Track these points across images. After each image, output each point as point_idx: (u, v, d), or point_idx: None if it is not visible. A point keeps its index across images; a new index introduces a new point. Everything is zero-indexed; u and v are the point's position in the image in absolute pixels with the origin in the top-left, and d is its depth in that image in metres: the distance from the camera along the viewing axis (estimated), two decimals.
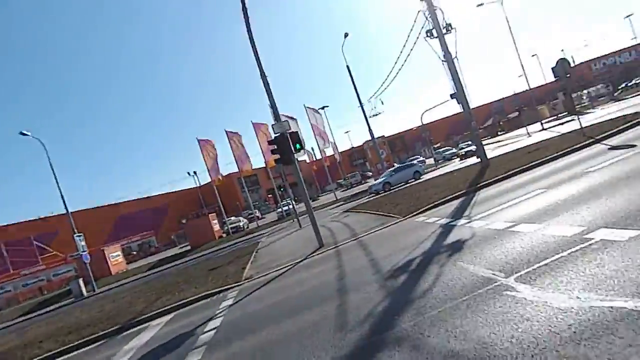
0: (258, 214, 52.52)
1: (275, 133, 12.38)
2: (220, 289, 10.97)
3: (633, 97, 38.78)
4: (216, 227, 41.17)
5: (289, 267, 10.82)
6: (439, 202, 12.83)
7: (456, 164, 32.20)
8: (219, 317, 8.00)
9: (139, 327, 9.81)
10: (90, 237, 56.41)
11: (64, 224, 58.28)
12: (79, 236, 30.28)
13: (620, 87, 56.50)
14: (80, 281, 28.24)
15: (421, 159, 51.34)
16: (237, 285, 10.85)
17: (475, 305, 4.21)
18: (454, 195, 13.05)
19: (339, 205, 29.83)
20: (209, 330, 7.22)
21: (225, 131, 36.24)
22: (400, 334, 4.17)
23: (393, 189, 26.96)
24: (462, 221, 8.89)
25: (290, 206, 40.38)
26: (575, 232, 5.43)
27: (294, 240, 17.01)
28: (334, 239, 12.73)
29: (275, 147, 12.24)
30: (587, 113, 36.17)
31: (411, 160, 48.11)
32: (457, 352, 3.41)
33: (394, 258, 7.51)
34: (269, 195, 69.40)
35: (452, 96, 18.23)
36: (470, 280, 4.99)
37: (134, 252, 57.15)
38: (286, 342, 5.22)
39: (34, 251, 49.45)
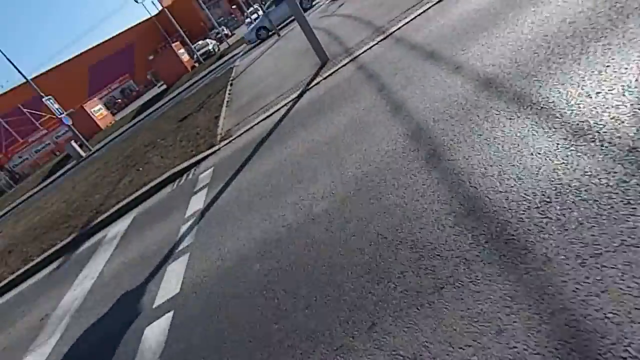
0: (226, 31, 43.38)
1: None
2: (190, 161, 6.36)
3: None
4: (185, 57, 33.62)
5: (284, 110, 5.89)
6: None
7: None
8: (180, 254, 3.66)
9: (93, 240, 5.85)
10: (72, 94, 49.86)
11: (46, 85, 50.73)
12: (49, 99, 24.52)
13: None
14: (73, 143, 24.78)
15: None
16: (211, 154, 6.19)
17: None
18: None
19: None
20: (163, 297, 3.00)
21: None
22: None
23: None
24: None
25: (261, 12, 32.00)
26: None
27: (277, 57, 11.32)
28: (344, 45, 7.25)
29: None
30: None
31: None
32: None
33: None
34: (233, 7, 57.10)
35: None
36: None
37: (119, 100, 50.98)
38: None
39: (28, 119, 44.40)
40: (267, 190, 3.68)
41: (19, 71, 21.81)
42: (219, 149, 6.19)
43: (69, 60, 54.36)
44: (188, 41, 32.57)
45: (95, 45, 57.87)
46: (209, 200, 4.45)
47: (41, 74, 50.27)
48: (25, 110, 42.48)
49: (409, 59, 4.48)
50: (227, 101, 9.37)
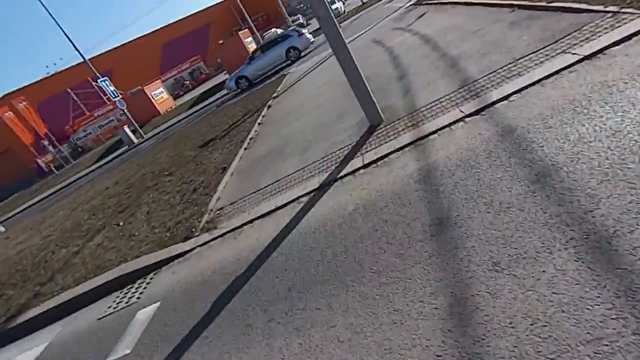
0: (302, 20, 41.97)
1: None
2: (155, 255, 4.61)
3: None
4: (252, 46, 32.87)
5: (291, 211, 3.78)
6: None
7: None
8: None
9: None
10: (143, 71, 52.37)
11: (116, 59, 53.96)
12: (104, 80, 24.97)
13: None
14: (126, 129, 25.15)
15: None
16: (181, 255, 4.31)
17: None
18: None
19: None
20: None
21: None
22: None
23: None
24: None
25: (341, 3, 30.41)
26: None
27: (328, 80, 9.14)
28: (410, 99, 4.91)
29: None
30: None
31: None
32: None
33: None
34: None
35: None
36: None
37: (187, 82, 52.31)
38: None
39: (96, 92, 46.64)
40: None
41: (77, 50, 22.25)
42: (192, 249, 4.30)
43: (144, 36, 56.52)
44: (255, 30, 31.66)
45: (171, 23, 59.90)
46: None
47: (114, 48, 52.93)
48: (94, 83, 43.85)
49: (535, 208, 2.13)
50: (251, 138, 7.52)
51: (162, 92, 36.85)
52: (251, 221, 4.16)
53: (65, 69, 49.73)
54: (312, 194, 3.97)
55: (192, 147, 9.69)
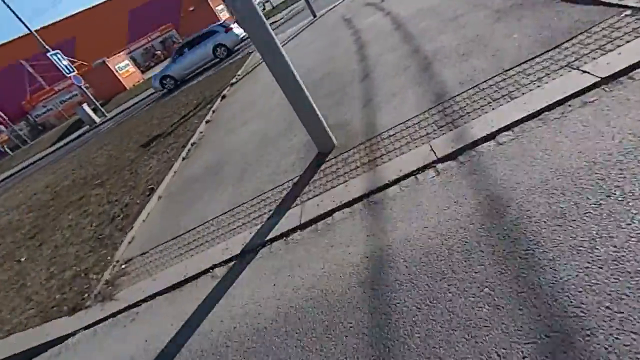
0: None
1: None
2: (25, 346, 3.59)
3: None
4: (224, 14, 30.50)
5: (207, 287, 2.77)
6: None
7: None
8: None
9: None
10: (110, 39, 48.53)
11: (79, 27, 49.72)
12: (56, 54, 22.56)
13: None
14: (86, 107, 23.01)
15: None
16: (61, 340, 3.24)
17: None
18: None
19: None
20: None
21: None
22: None
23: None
24: None
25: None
26: None
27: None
28: (370, 113, 3.71)
29: None
30: None
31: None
32: None
33: None
34: None
35: None
36: None
37: (158, 52, 48.77)
38: None
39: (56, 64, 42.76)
40: None
41: (22, 21, 19.77)
42: (74, 333, 3.23)
43: (105, 2, 51.97)
44: None
45: None
46: None
47: (75, 14, 48.61)
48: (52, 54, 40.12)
49: None
50: (193, 143, 6.30)
51: (128, 65, 34.12)
52: (153, 296, 3.09)
53: (17, 38, 45.01)
54: (232, 262, 2.91)
55: (135, 146, 8.39)
